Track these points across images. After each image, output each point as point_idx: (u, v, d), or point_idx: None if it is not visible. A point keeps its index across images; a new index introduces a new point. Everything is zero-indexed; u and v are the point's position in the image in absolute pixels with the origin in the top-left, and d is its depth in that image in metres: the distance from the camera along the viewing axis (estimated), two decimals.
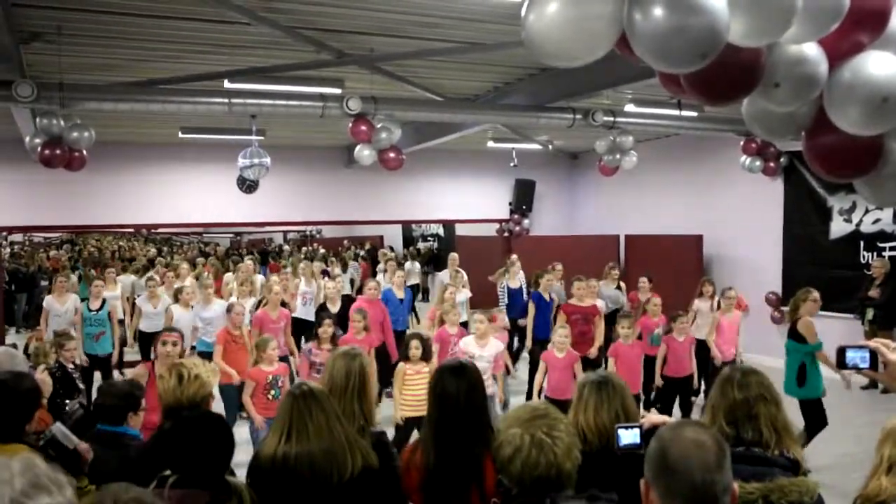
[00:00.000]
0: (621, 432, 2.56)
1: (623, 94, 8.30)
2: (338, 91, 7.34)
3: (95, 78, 7.51)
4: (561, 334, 6.42)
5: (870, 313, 9.06)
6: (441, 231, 18.65)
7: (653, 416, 3.01)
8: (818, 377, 6.28)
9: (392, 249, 18.56)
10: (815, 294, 6.39)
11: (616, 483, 2.29)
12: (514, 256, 10.73)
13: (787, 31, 2.52)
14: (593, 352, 7.86)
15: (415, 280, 14.90)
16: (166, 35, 6.38)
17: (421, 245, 19.48)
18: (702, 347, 7.80)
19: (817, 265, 9.97)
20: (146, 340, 9.05)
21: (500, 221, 13.85)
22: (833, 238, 10.08)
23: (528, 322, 8.51)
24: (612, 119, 8.21)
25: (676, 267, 11.12)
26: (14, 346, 6.70)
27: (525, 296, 9.88)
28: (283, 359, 6.99)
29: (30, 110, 7.02)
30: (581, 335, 7.61)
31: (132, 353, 9.91)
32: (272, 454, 2.66)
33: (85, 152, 7.09)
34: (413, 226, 19.12)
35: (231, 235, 25.75)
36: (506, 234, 13.80)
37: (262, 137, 8.78)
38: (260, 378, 5.78)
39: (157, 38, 6.48)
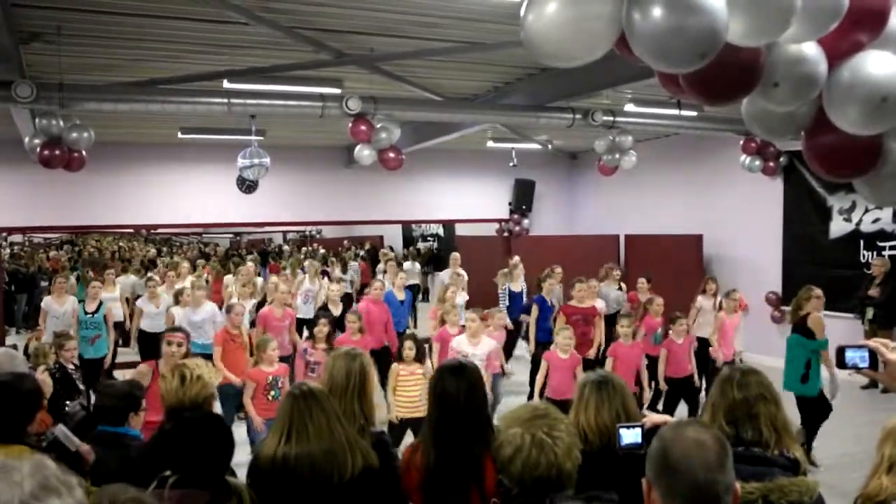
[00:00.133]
0: (623, 432, 2.56)
1: (622, 93, 8.30)
2: (337, 91, 7.34)
3: (95, 78, 7.51)
4: (565, 335, 6.44)
5: (870, 312, 9.07)
6: (441, 231, 18.65)
7: (654, 416, 3.01)
8: (818, 375, 6.30)
9: (392, 249, 18.56)
10: (818, 291, 6.42)
11: (617, 483, 2.29)
12: (517, 259, 10.74)
13: (786, 31, 2.52)
14: (592, 353, 7.86)
15: (414, 280, 14.90)
16: (166, 35, 6.38)
17: (421, 245, 19.47)
18: (703, 346, 7.81)
19: (817, 265, 9.97)
20: (146, 340, 9.06)
21: (499, 221, 13.85)
22: (833, 237, 10.08)
23: (531, 324, 8.51)
24: (611, 119, 8.21)
25: (676, 267, 11.12)
26: (14, 346, 6.71)
27: (525, 299, 9.92)
28: (286, 358, 6.99)
29: (29, 111, 7.03)
30: (582, 336, 7.62)
31: (132, 354, 9.91)
32: (272, 454, 2.66)
33: (84, 153, 7.10)
34: (413, 226, 19.11)
35: (231, 236, 25.73)
36: (505, 234, 13.81)
37: (261, 137, 8.79)
38: (260, 379, 5.78)
39: (157, 39, 6.48)
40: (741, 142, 9.87)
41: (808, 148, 3.16)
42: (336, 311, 8.43)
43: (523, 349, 10.05)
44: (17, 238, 18.78)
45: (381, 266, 14.86)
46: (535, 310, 8.53)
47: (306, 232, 23.85)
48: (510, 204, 13.86)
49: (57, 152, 6.75)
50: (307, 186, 12.51)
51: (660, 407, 7.37)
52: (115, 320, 8.97)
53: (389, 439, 3.16)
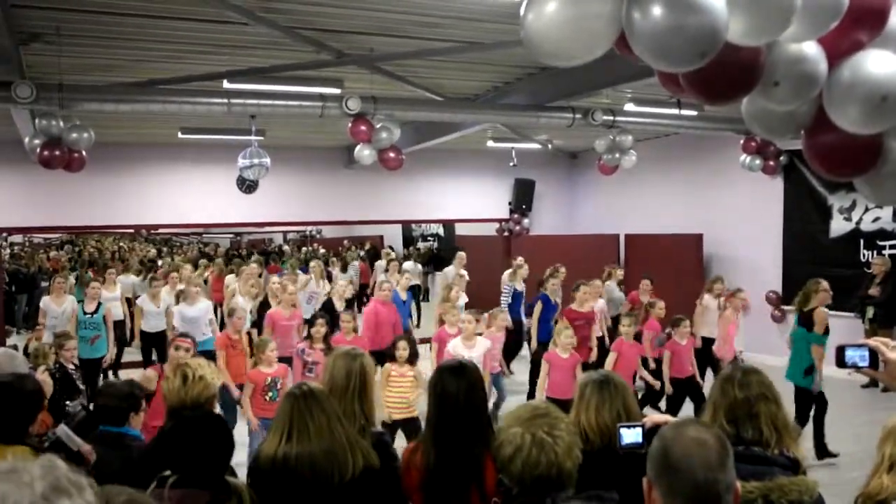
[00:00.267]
0: (623, 431, 2.56)
1: (622, 93, 8.29)
2: (337, 91, 7.34)
3: (95, 79, 7.51)
4: (566, 335, 6.45)
5: (870, 311, 9.07)
6: (441, 231, 18.65)
7: (655, 416, 3.01)
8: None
9: (392, 249, 18.57)
10: (825, 284, 6.47)
11: (618, 482, 2.29)
12: (521, 259, 10.80)
13: (786, 30, 2.52)
14: (594, 356, 7.91)
15: (415, 280, 14.93)
16: (165, 35, 6.38)
17: (421, 245, 19.48)
18: (706, 344, 7.84)
19: (817, 264, 9.96)
20: (147, 340, 9.09)
21: (499, 221, 13.86)
22: (833, 236, 10.09)
23: (533, 323, 8.52)
24: (611, 118, 8.21)
25: (676, 266, 11.13)
26: (14, 347, 6.71)
27: (524, 299, 9.96)
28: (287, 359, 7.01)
29: (29, 111, 7.02)
30: (583, 340, 7.66)
31: (132, 354, 9.92)
32: (273, 454, 2.66)
33: (84, 153, 7.10)
34: (413, 226, 19.13)
35: (231, 236, 25.77)
36: (506, 234, 13.81)
37: (261, 138, 8.79)
38: (258, 380, 5.78)
39: (157, 39, 6.48)
40: (741, 141, 9.87)
41: (808, 147, 3.15)
42: (340, 305, 8.48)
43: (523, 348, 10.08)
44: (18, 238, 18.80)
45: (380, 263, 14.89)
46: (538, 308, 8.54)
47: (306, 232, 23.88)
48: (510, 204, 13.86)
49: (57, 153, 6.75)
50: (307, 186, 12.51)
51: (662, 405, 7.39)
52: (115, 319, 8.98)
53: (390, 440, 3.16)
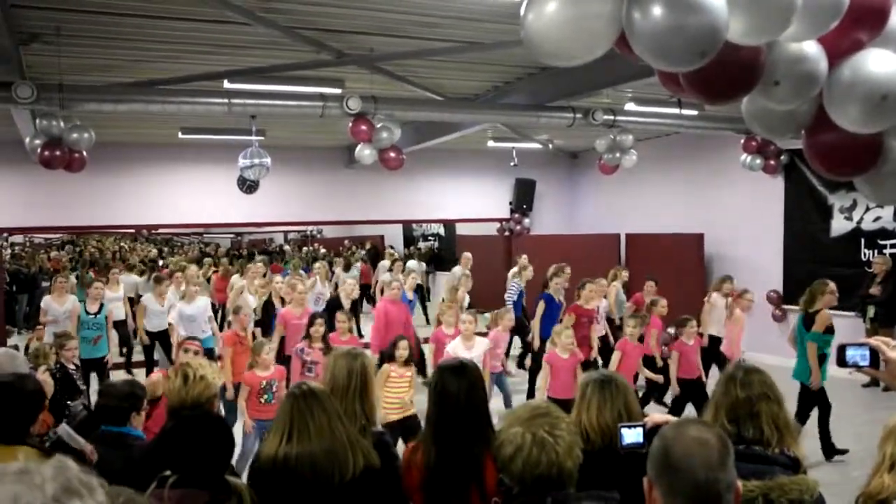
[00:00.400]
0: (624, 431, 2.56)
1: (623, 92, 8.29)
2: (338, 91, 7.34)
3: (95, 79, 7.51)
4: (567, 335, 6.47)
5: (871, 311, 9.07)
6: (442, 231, 18.65)
7: (656, 415, 3.01)
8: (826, 371, 6.38)
9: (392, 249, 18.57)
10: (832, 286, 6.49)
11: (619, 482, 2.29)
12: (525, 258, 10.84)
13: (786, 30, 2.52)
14: (594, 354, 7.94)
15: (418, 280, 14.95)
16: (166, 35, 6.38)
17: (422, 245, 19.48)
18: (713, 343, 7.87)
19: (818, 263, 9.96)
20: (150, 338, 9.11)
21: (500, 221, 13.85)
22: (834, 236, 10.08)
23: (536, 323, 8.52)
24: (611, 118, 8.20)
25: (677, 265, 11.13)
26: (15, 347, 6.72)
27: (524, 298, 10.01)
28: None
29: (29, 112, 7.03)
30: (583, 339, 7.69)
31: (137, 353, 9.94)
32: (273, 454, 2.66)
33: (85, 153, 7.10)
34: (413, 225, 19.12)
35: (232, 236, 25.79)
36: (506, 234, 13.81)
37: (262, 138, 8.78)
38: (254, 383, 5.75)
39: (157, 39, 6.48)
40: (742, 140, 9.86)
41: (808, 146, 3.16)
42: (347, 305, 8.52)
43: (520, 347, 10.10)
44: (19, 238, 18.81)
45: (384, 263, 14.90)
46: (541, 307, 8.53)
47: (307, 232, 23.87)
48: (511, 203, 13.86)
49: (57, 153, 6.75)
50: (308, 186, 12.52)
51: (668, 400, 7.42)
52: (117, 319, 8.99)
53: (391, 439, 3.16)
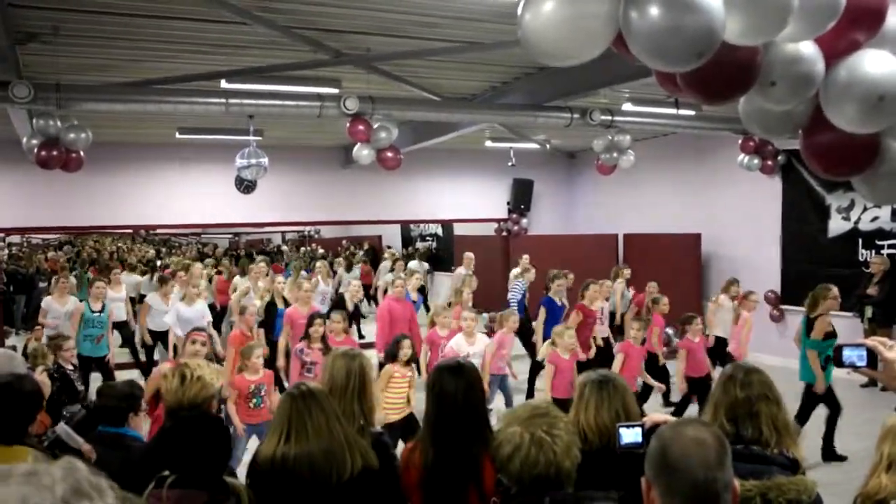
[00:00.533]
0: (623, 431, 2.55)
1: (620, 92, 8.30)
2: (335, 91, 7.34)
3: (92, 78, 7.50)
4: (570, 335, 6.52)
5: (868, 311, 9.07)
6: (439, 231, 18.65)
7: (654, 415, 3.01)
8: (831, 372, 6.40)
9: (391, 248, 18.57)
10: (835, 291, 6.52)
11: (617, 482, 2.29)
12: (527, 258, 10.86)
13: (783, 30, 2.53)
14: (592, 353, 7.96)
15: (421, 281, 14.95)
16: (163, 35, 6.37)
17: (419, 245, 19.48)
18: (720, 344, 7.89)
19: (816, 263, 9.98)
20: (152, 337, 9.12)
21: (498, 221, 13.85)
22: (831, 236, 10.09)
23: (539, 327, 8.52)
24: (609, 118, 8.21)
25: (675, 265, 11.14)
26: (13, 348, 6.71)
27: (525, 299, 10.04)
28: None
29: (26, 111, 7.01)
30: (584, 340, 7.71)
31: (141, 353, 9.91)
32: (271, 454, 2.66)
33: (82, 153, 7.08)
34: (411, 225, 19.12)
35: (229, 236, 25.77)
36: (504, 234, 13.81)
37: (259, 138, 8.78)
38: (242, 386, 5.65)
39: (154, 39, 6.47)
40: (739, 141, 9.87)
41: (805, 146, 3.16)
42: (350, 305, 8.52)
43: (520, 349, 10.08)
44: (16, 239, 18.77)
45: (385, 264, 14.89)
46: (542, 313, 8.55)
47: (305, 232, 23.87)
48: (508, 203, 13.87)
49: (54, 153, 6.73)
50: (305, 186, 12.51)
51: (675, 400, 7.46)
52: (117, 320, 8.98)
53: (389, 440, 3.16)
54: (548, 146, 13.01)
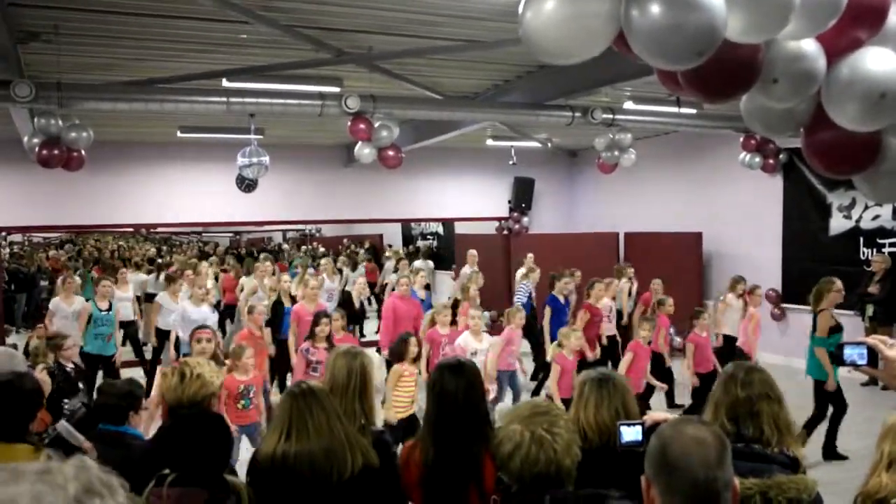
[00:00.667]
0: (623, 429, 2.55)
1: (622, 91, 8.29)
2: (336, 90, 7.33)
3: (93, 77, 7.50)
4: (577, 336, 6.58)
5: (869, 309, 9.06)
6: (440, 229, 18.64)
7: (655, 414, 3.01)
8: (835, 370, 6.39)
9: (392, 247, 18.57)
10: (839, 284, 6.48)
11: (616, 480, 2.29)
12: (531, 257, 10.87)
13: (785, 28, 2.52)
14: (597, 353, 7.98)
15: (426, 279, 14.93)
16: (164, 34, 6.37)
17: (420, 243, 19.47)
18: (729, 342, 7.91)
19: (817, 262, 9.96)
20: (159, 336, 9.12)
21: (499, 219, 13.85)
22: (833, 234, 10.08)
23: (545, 326, 8.53)
24: (610, 116, 8.20)
25: (676, 264, 11.13)
26: (14, 346, 6.71)
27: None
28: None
29: (28, 110, 7.01)
30: (590, 340, 7.73)
31: (148, 352, 9.90)
32: (272, 453, 2.66)
33: (83, 152, 7.09)
34: (412, 224, 19.11)
35: (230, 234, 25.75)
36: (505, 233, 13.80)
37: (260, 136, 8.77)
38: (231, 387, 5.55)
39: (156, 38, 6.47)
40: (740, 139, 9.86)
41: (807, 145, 3.16)
42: (356, 302, 8.52)
43: (526, 346, 10.09)
44: (17, 237, 18.78)
45: (390, 264, 14.89)
46: (547, 312, 8.56)
47: (306, 231, 23.85)
48: (510, 202, 13.86)
49: (56, 152, 6.74)
50: (307, 185, 12.51)
51: (686, 398, 7.47)
52: (124, 319, 8.97)
53: (390, 439, 3.16)
54: (549, 145, 13.01)
